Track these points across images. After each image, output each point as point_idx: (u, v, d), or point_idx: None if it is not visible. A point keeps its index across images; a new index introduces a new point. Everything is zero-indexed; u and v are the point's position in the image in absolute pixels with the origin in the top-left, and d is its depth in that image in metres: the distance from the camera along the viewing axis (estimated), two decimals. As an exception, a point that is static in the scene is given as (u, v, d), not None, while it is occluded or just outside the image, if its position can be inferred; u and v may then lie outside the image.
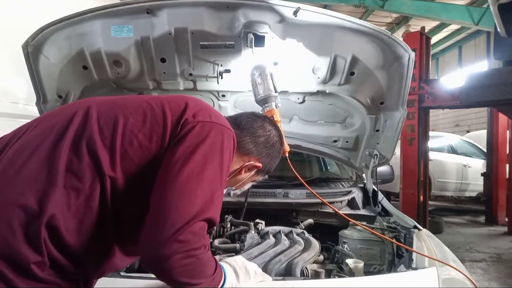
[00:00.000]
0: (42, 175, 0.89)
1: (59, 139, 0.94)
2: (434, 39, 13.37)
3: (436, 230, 5.91)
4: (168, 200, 0.87)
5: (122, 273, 1.25)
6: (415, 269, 1.34)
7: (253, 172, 1.25)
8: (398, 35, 10.10)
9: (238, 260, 1.13)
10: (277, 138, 1.27)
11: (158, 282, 1.18)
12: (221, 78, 1.92)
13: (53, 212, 0.85)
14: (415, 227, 1.78)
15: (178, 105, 1.02)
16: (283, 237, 1.67)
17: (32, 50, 1.74)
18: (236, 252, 1.57)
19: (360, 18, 3.01)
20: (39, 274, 0.84)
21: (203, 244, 0.89)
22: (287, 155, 1.65)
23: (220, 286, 0.99)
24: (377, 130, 2.22)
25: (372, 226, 1.88)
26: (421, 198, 5.79)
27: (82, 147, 0.93)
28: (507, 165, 6.98)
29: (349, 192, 2.25)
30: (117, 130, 0.96)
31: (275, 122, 1.35)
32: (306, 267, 1.46)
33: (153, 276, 1.22)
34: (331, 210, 2.02)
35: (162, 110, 1.01)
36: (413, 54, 1.81)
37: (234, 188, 1.31)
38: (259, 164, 1.22)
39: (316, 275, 1.45)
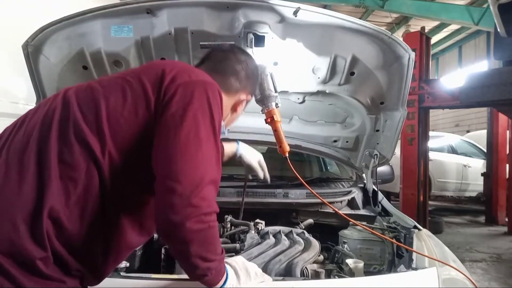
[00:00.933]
0: (37, 170, 0.89)
1: (46, 134, 0.94)
2: (434, 39, 13.36)
3: (436, 230, 5.92)
4: (172, 169, 0.89)
5: (122, 273, 1.25)
6: (415, 269, 1.34)
7: (245, 104, 1.30)
8: (398, 35, 10.10)
9: (239, 260, 1.13)
10: (253, 63, 1.31)
11: (158, 282, 1.18)
12: (221, 78, 1.92)
13: (52, 205, 0.86)
14: (415, 227, 1.78)
15: (155, 73, 1.01)
16: (283, 237, 1.67)
17: (32, 50, 1.74)
18: (236, 252, 1.57)
19: (360, 18, 3.01)
20: (44, 270, 0.84)
21: (214, 209, 0.92)
22: (287, 155, 1.65)
23: (220, 285, 0.99)
24: (377, 130, 2.22)
25: (372, 226, 1.88)
26: (421, 198, 5.79)
27: (70, 137, 0.92)
28: (507, 165, 6.99)
29: (349, 192, 2.24)
30: (100, 113, 0.95)
31: (242, 49, 1.35)
32: (306, 267, 1.46)
33: (153, 276, 1.22)
34: (331, 210, 2.01)
35: (140, 82, 0.99)
36: (413, 54, 1.81)
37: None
38: (250, 97, 1.29)
39: (316, 275, 1.44)
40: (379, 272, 1.64)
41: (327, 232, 2.00)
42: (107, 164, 0.93)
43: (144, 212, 1.02)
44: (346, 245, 1.73)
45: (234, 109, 1.26)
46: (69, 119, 0.95)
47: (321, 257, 1.68)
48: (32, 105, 2.03)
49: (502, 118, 6.99)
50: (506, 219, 6.77)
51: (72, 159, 0.91)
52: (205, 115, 0.96)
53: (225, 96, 1.14)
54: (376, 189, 2.29)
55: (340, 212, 1.76)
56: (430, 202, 6.99)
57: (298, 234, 1.73)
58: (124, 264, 1.32)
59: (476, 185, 7.84)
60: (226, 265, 1.07)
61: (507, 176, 6.95)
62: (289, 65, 1.89)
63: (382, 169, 2.45)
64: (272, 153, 3.02)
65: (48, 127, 0.95)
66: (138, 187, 0.98)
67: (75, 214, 0.90)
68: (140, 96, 0.97)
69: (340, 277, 1.46)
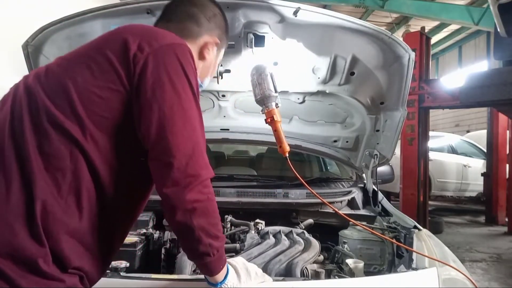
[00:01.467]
0: (19, 167, 0.87)
1: (19, 128, 0.90)
2: (434, 39, 13.36)
3: (436, 230, 5.92)
4: (164, 144, 0.90)
5: (122, 273, 1.25)
6: (415, 269, 1.34)
7: (215, 50, 1.23)
8: (398, 35, 10.10)
9: (239, 260, 1.12)
10: (211, 3, 1.23)
11: (158, 282, 1.18)
12: (221, 78, 1.91)
13: (44, 199, 0.84)
14: (415, 227, 1.78)
15: (118, 43, 0.96)
16: (283, 237, 1.67)
17: (32, 50, 1.74)
18: (236, 252, 1.57)
19: (360, 18, 3.01)
20: (44, 268, 0.83)
21: (210, 175, 0.94)
22: (287, 155, 1.65)
23: (221, 280, 1.00)
24: (377, 130, 2.22)
25: (372, 226, 1.88)
26: (421, 198, 5.79)
27: (45, 126, 0.89)
28: (507, 165, 7.00)
29: (349, 192, 2.24)
30: (71, 96, 0.91)
31: None
32: (306, 267, 1.46)
33: (153, 276, 1.22)
34: (331, 210, 2.01)
35: (104, 55, 0.95)
36: (413, 54, 1.81)
37: (209, 77, 1.28)
38: (216, 39, 1.20)
39: (316, 275, 1.45)
40: (379, 272, 1.64)
41: (327, 232, 2.00)
42: (91, 146, 0.90)
43: (142, 184, 1.03)
44: (346, 245, 1.73)
45: (201, 56, 1.19)
46: (38, 108, 0.90)
47: (321, 257, 1.68)
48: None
49: (502, 118, 7.00)
50: (506, 219, 6.77)
51: (52, 148, 0.88)
52: (183, 82, 0.95)
53: (188, 44, 1.07)
54: (376, 189, 2.29)
55: (340, 212, 1.76)
56: (430, 202, 6.99)
57: (298, 234, 1.73)
58: (124, 264, 1.32)
59: (476, 185, 7.84)
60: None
61: (507, 176, 6.95)
62: (289, 65, 1.89)
63: (382, 169, 2.45)
64: (272, 153, 3.03)
65: (19, 121, 0.91)
66: (129, 163, 0.96)
67: (71, 203, 0.87)
68: (108, 71, 0.93)
69: (340, 277, 1.46)
